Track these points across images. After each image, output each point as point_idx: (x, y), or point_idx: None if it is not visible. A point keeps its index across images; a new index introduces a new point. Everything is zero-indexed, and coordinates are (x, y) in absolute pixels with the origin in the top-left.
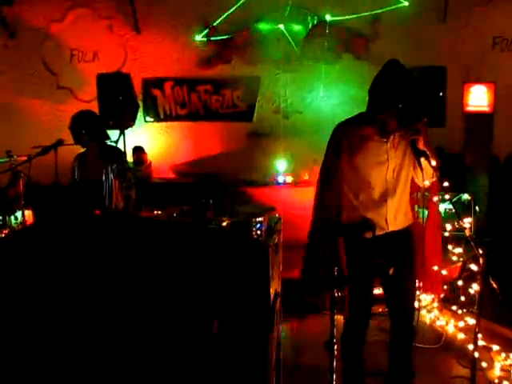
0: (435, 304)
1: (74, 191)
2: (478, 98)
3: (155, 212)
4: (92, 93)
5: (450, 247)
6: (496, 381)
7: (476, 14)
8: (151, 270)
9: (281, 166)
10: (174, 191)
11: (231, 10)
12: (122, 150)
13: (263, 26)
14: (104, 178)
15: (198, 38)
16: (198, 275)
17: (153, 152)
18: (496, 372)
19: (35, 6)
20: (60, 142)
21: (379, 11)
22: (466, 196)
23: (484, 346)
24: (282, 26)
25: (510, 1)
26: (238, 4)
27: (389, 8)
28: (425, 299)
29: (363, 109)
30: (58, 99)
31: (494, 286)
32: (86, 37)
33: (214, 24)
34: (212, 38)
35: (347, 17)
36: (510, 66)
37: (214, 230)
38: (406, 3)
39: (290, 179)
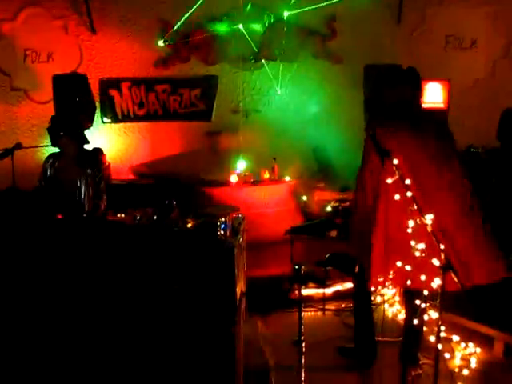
0: (397, 298)
1: (40, 194)
2: (433, 94)
3: (119, 215)
4: (48, 94)
5: (412, 243)
6: (456, 370)
7: (429, 14)
8: (117, 272)
9: (241, 165)
10: (135, 193)
11: (191, 11)
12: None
13: (221, 25)
14: (78, 182)
15: (157, 39)
16: (166, 276)
17: (111, 153)
18: (456, 361)
19: None
20: (19, 145)
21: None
22: None
23: (445, 337)
24: (239, 25)
25: (461, 2)
26: (197, 4)
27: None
28: (386, 294)
29: (323, 107)
30: (12, 101)
31: (455, 279)
32: (40, 37)
33: (174, 28)
34: (168, 41)
35: (305, 9)
36: (462, 63)
37: (180, 231)
38: None
39: (250, 178)
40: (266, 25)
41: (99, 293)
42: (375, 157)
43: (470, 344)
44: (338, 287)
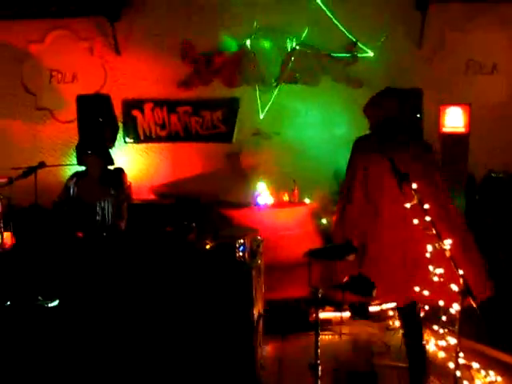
0: None
1: (58, 209)
2: (454, 119)
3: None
4: (72, 114)
5: (431, 268)
6: None
7: (450, 39)
8: (134, 289)
9: (261, 188)
10: (155, 213)
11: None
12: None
13: (243, 48)
14: (101, 202)
15: (180, 61)
16: (184, 296)
17: (132, 173)
18: None
19: (14, 26)
20: (42, 164)
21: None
22: None
23: (464, 364)
24: (261, 48)
25: (481, 27)
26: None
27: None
28: None
29: (343, 130)
30: (37, 120)
31: (474, 305)
32: (66, 58)
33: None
34: (191, 63)
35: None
36: (482, 88)
37: (198, 252)
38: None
39: (270, 200)
40: (288, 49)
41: (117, 309)
42: (388, 179)
43: (491, 372)
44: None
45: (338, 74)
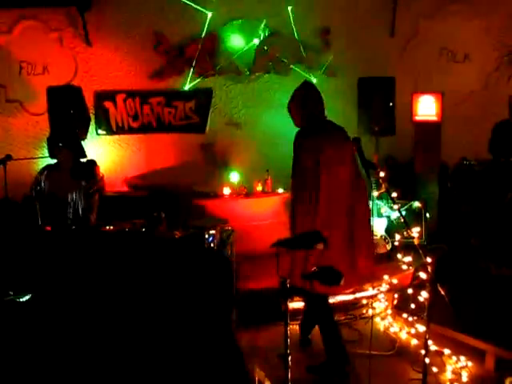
0: (388, 311)
1: (29, 204)
2: (427, 107)
3: (107, 227)
4: (43, 106)
5: (399, 256)
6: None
7: (422, 27)
8: (105, 280)
9: (234, 177)
10: (128, 205)
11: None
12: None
13: (216, 38)
14: (72, 194)
15: (152, 52)
16: (153, 287)
17: (105, 165)
18: (448, 375)
19: None
20: (9, 157)
21: None
22: (416, 203)
23: (436, 351)
24: (234, 38)
25: (454, 15)
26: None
27: None
28: (378, 307)
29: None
30: (7, 112)
31: (442, 292)
32: (36, 49)
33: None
34: (163, 53)
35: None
36: (455, 76)
37: (167, 241)
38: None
39: (243, 190)
40: (261, 38)
41: (87, 303)
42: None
43: (462, 357)
44: None
45: (312, 63)
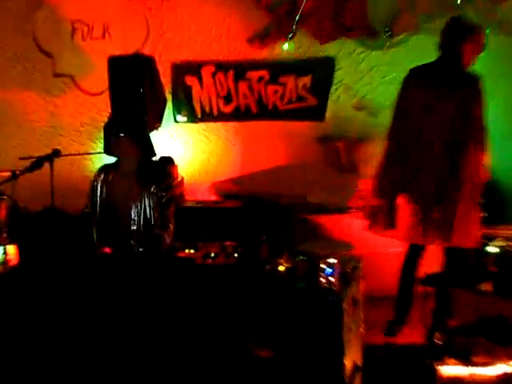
0: None
1: (86, 221)
2: None
3: (186, 251)
4: (102, 82)
5: None
6: None
7: None
8: (183, 325)
9: (366, 185)
10: (215, 219)
11: None
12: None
13: None
14: (138, 205)
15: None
16: (245, 336)
17: (186, 164)
18: None
19: None
20: (56, 153)
21: None
22: None
23: None
24: None
25: None
26: None
27: None
28: None
29: None
30: (56, 90)
31: None
32: (93, 5)
33: None
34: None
35: None
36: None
37: (268, 276)
38: None
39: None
40: None
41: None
42: None
43: None
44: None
45: (482, 17)
